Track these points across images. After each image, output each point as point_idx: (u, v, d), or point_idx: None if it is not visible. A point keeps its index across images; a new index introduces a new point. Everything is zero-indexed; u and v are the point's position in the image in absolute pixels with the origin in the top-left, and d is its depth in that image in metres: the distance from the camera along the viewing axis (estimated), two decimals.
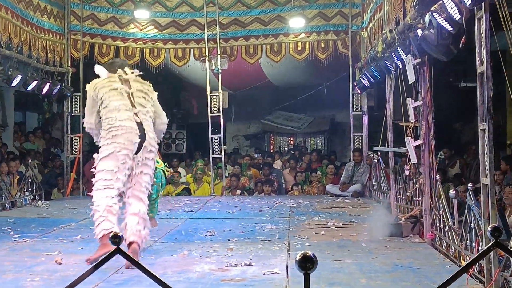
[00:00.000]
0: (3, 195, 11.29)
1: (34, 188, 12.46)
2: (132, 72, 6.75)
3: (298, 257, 2.80)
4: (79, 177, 14.28)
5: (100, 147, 6.41)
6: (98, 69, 6.80)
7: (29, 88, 12.41)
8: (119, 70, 6.68)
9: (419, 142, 7.95)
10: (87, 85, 6.68)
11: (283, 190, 14.68)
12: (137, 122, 6.37)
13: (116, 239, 2.97)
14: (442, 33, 6.46)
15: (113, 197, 6.21)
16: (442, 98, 10.95)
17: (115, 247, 2.96)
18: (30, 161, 12.98)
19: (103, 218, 6.14)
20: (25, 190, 12.16)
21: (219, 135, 14.59)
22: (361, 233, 8.40)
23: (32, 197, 12.35)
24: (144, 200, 6.45)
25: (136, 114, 6.42)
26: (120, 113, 6.32)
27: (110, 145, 6.24)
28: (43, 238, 8.28)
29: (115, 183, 6.22)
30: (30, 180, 12.31)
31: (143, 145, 6.37)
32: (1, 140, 13.97)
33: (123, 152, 6.24)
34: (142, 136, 6.36)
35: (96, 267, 3.09)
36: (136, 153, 6.34)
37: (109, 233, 5.24)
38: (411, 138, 8.16)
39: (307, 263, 2.78)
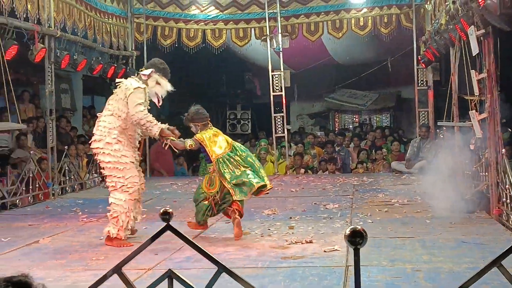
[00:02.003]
0: (72, 177, 11.61)
1: None
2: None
3: (348, 232, 2.74)
4: (145, 158, 14.52)
5: None
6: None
7: (94, 72, 12.68)
8: None
9: (483, 115, 7.72)
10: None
11: (349, 168, 14.56)
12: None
13: (166, 215, 3.00)
14: (504, 1, 6.22)
15: None
16: None
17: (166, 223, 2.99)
18: None
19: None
20: (93, 172, 12.49)
21: (281, 114, 14.56)
22: (425, 210, 8.26)
23: (100, 178, 12.65)
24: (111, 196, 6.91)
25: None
26: None
27: None
28: None
29: None
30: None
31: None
32: (71, 124, 14.33)
33: None
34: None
35: (150, 242, 3.14)
36: None
37: None
38: (476, 111, 7.92)
39: (356, 238, 2.71)
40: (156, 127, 6.69)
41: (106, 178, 6.93)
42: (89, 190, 11.79)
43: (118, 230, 6.68)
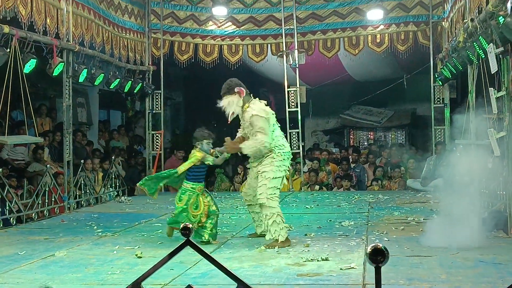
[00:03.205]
0: (88, 191, 11.64)
1: (118, 184, 12.82)
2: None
3: (369, 250, 2.70)
4: None
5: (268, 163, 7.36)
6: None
7: (112, 86, 12.75)
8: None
9: (502, 134, 7.66)
10: (264, 110, 7.39)
11: (364, 185, 14.49)
12: None
13: (186, 231, 2.99)
14: None
15: None
16: None
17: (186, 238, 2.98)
18: (114, 158, 13.34)
19: (284, 225, 7.31)
20: (109, 186, 12.53)
21: (297, 130, 14.54)
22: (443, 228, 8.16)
23: (115, 193, 12.71)
24: None
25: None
26: (284, 141, 7.54)
27: (282, 167, 7.37)
28: (125, 233, 8.49)
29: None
30: (114, 176, 12.67)
31: None
32: (87, 138, 14.40)
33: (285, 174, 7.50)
34: None
35: (169, 257, 3.12)
36: None
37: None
38: (494, 130, 7.86)
39: (378, 256, 2.67)
40: None
41: None
42: (104, 204, 11.81)
43: None
